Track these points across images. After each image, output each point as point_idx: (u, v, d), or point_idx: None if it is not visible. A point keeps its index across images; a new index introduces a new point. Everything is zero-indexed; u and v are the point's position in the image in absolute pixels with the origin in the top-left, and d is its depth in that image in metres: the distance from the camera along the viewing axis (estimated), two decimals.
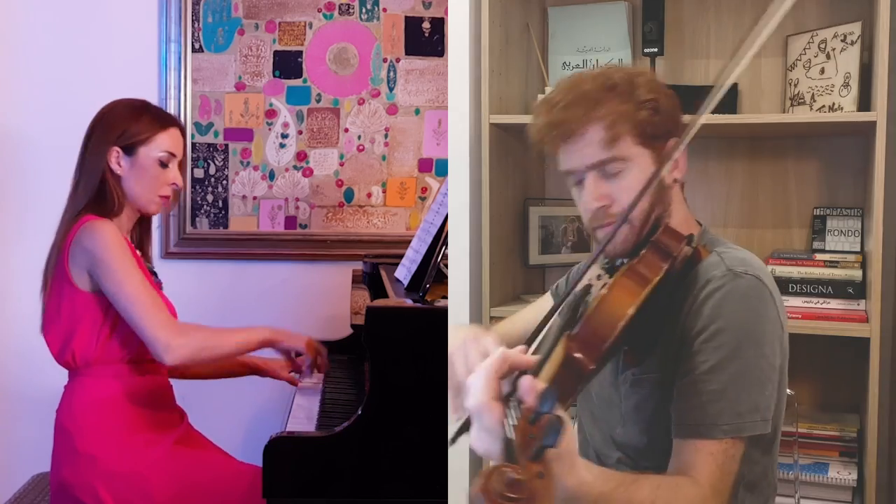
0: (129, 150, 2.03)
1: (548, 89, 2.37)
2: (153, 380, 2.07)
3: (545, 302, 1.77)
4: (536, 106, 1.46)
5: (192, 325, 2.01)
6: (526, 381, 1.02)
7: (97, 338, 1.98)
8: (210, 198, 2.90)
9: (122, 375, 2.01)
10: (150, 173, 2.03)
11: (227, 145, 2.90)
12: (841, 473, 2.07)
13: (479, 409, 1.02)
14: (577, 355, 1.15)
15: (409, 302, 1.97)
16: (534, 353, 1.18)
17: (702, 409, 1.28)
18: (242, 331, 2.09)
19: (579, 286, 1.35)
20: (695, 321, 1.32)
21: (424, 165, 2.94)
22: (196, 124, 2.87)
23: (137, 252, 2.07)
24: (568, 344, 1.16)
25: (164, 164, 2.05)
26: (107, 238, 1.93)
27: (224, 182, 2.90)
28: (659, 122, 1.40)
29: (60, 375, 2.07)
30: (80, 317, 1.98)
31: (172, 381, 2.16)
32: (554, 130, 1.39)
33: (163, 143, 2.05)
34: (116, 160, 2.02)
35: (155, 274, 2.13)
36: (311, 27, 2.89)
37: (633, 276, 1.25)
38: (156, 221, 2.26)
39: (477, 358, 1.19)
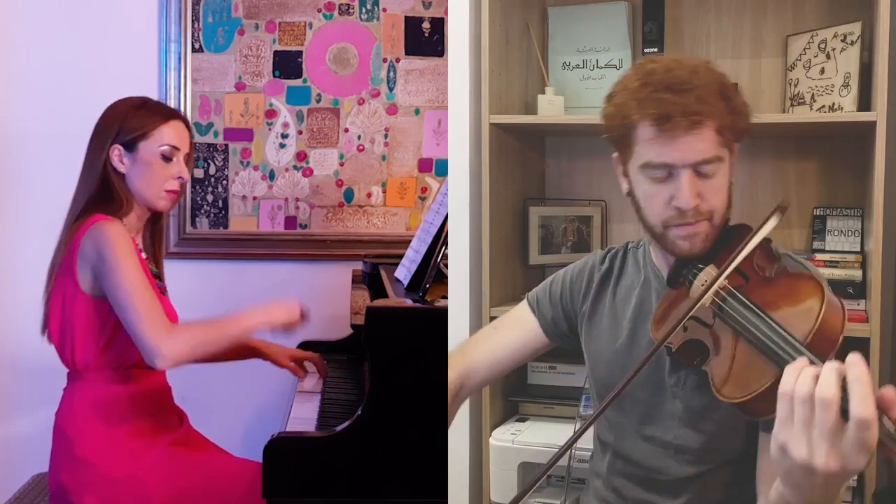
0: (130, 146, 2.01)
1: (548, 89, 2.37)
2: (152, 383, 2.06)
3: (522, 320, 1.73)
4: (638, 87, 1.38)
5: (185, 325, 1.98)
6: (891, 393, 0.98)
7: (96, 343, 1.97)
8: (210, 198, 2.90)
9: (121, 380, 2.00)
10: (153, 168, 2.01)
11: (227, 145, 2.90)
12: None
13: (866, 423, 0.95)
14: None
15: (409, 302, 1.97)
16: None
17: None
18: (234, 322, 2.00)
19: (705, 298, 1.31)
20: None
21: (424, 165, 2.94)
22: (196, 124, 2.87)
23: (143, 255, 2.06)
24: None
25: (167, 158, 2.02)
26: (113, 238, 1.91)
27: (224, 182, 2.90)
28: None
29: (60, 375, 2.07)
30: (81, 320, 1.97)
31: (172, 381, 2.16)
32: (677, 117, 1.34)
33: (164, 136, 2.02)
34: (118, 158, 2.01)
35: (159, 278, 2.12)
36: (311, 27, 2.89)
37: (798, 279, 1.29)
38: None
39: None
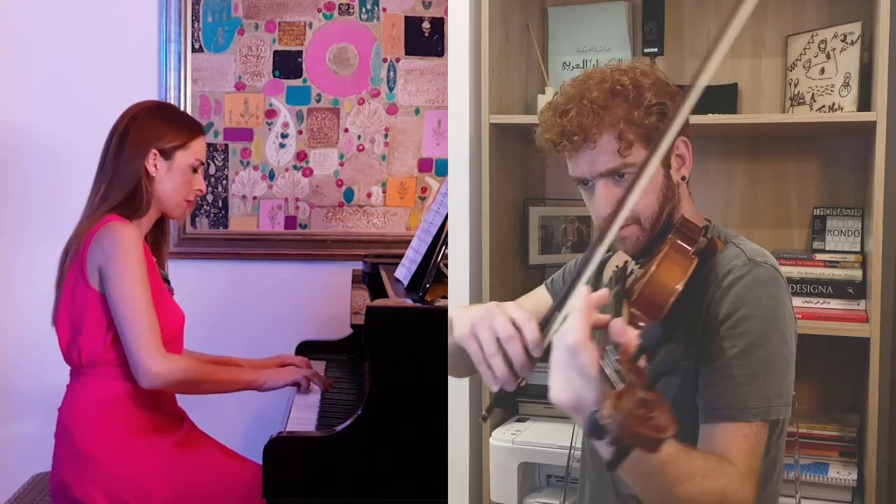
0: (168, 153, 2.08)
1: (548, 89, 2.37)
2: None
3: (539, 298, 1.77)
4: (543, 111, 1.47)
5: (184, 359, 2.04)
6: (618, 324, 1.05)
7: (103, 339, 1.99)
8: (210, 198, 2.90)
9: (125, 378, 2.01)
10: (184, 178, 2.09)
11: (227, 145, 2.90)
12: (841, 473, 2.07)
13: (576, 349, 1.02)
14: (641, 323, 1.19)
15: (409, 302, 1.97)
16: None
17: (733, 393, 1.30)
18: (232, 372, 2.17)
19: (608, 269, 1.34)
20: (719, 308, 1.34)
21: (424, 165, 2.94)
22: None
23: (153, 257, 2.09)
24: (630, 312, 1.21)
25: (195, 170, 2.11)
26: (126, 243, 1.95)
27: (224, 182, 2.90)
28: (665, 126, 1.40)
29: (62, 374, 2.07)
30: (89, 315, 1.99)
31: None
32: (564, 140, 1.40)
33: (197, 149, 2.12)
34: (153, 162, 2.06)
35: (167, 281, 2.15)
36: (310, 27, 2.89)
37: (676, 255, 1.30)
38: None
39: (505, 324, 1.19)
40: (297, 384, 2.21)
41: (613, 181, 1.41)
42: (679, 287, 1.25)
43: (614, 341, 1.05)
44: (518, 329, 1.18)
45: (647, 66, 1.47)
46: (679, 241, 1.34)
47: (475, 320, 1.22)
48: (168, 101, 2.81)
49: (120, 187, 2.05)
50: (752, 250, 1.41)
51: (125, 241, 1.94)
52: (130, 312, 1.92)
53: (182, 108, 2.84)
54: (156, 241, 2.16)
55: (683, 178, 1.46)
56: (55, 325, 2.06)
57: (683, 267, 1.29)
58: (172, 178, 2.08)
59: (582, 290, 1.09)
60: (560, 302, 1.23)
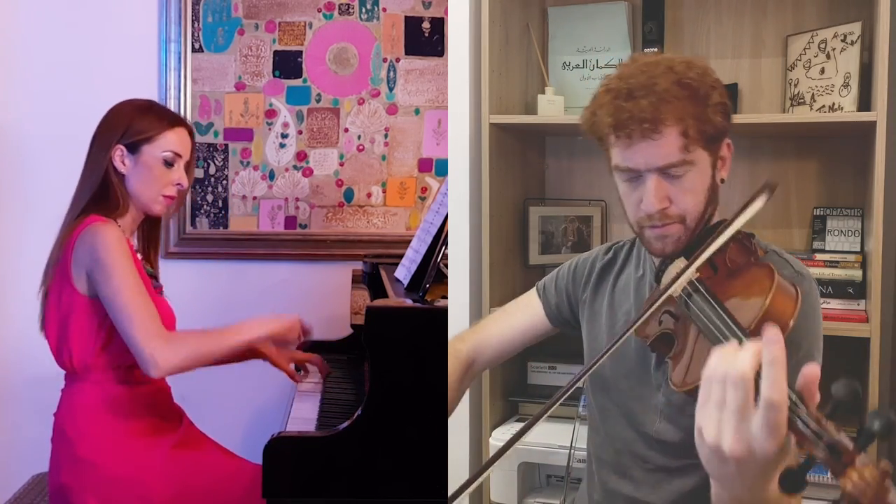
0: (133, 147, 2.02)
1: (548, 89, 2.37)
2: (151, 384, 2.06)
3: (530, 304, 1.76)
4: (600, 95, 1.41)
5: (182, 333, 1.97)
6: (815, 370, 0.97)
7: (94, 343, 1.96)
8: (210, 198, 2.90)
9: (120, 380, 1.99)
10: (153, 172, 2.02)
11: (226, 145, 2.90)
12: None
13: (779, 406, 0.92)
14: None
15: (409, 302, 1.97)
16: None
17: None
18: (232, 333, 2.01)
19: (672, 289, 1.28)
20: None
21: (424, 165, 2.94)
22: (196, 124, 2.87)
23: (138, 255, 2.06)
24: None
25: (168, 164, 2.03)
26: (109, 241, 1.91)
27: (224, 182, 2.90)
28: (723, 126, 1.40)
29: (60, 375, 2.07)
30: (78, 320, 1.96)
31: (172, 381, 2.16)
32: (631, 126, 1.34)
33: (168, 142, 2.03)
34: (120, 158, 2.01)
35: (155, 278, 2.12)
36: (310, 27, 2.89)
37: (782, 290, 1.24)
38: None
39: None
40: (323, 393, 2.16)
41: (666, 177, 1.38)
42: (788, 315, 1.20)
43: (806, 390, 0.96)
44: None
45: (704, 63, 1.43)
46: (734, 253, 1.32)
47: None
48: (168, 101, 2.81)
49: (88, 186, 2.01)
50: (795, 262, 1.43)
51: (107, 239, 1.91)
52: (126, 305, 1.87)
53: (182, 109, 2.84)
54: (146, 239, 2.13)
55: (722, 180, 1.46)
56: (44, 332, 2.03)
57: (765, 273, 1.25)
58: (140, 173, 2.02)
59: (773, 334, 0.94)
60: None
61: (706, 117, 1.36)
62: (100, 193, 2.01)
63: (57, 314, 1.99)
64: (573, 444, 2.03)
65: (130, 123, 2.02)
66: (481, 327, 1.79)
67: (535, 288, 1.79)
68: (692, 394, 1.15)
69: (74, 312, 1.96)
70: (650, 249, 1.47)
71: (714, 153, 1.42)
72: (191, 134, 2.11)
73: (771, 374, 0.92)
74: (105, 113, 2.07)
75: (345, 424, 1.83)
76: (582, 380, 1.30)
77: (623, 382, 1.54)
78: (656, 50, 2.25)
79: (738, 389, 0.94)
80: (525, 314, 1.77)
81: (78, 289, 1.95)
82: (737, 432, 0.94)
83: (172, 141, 2.04)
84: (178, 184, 2.06)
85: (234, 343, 2.00)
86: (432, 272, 1.95)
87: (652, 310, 1.28)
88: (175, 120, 2.08)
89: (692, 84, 1.36)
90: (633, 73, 1.39)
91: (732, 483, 1.00)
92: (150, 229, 2.14)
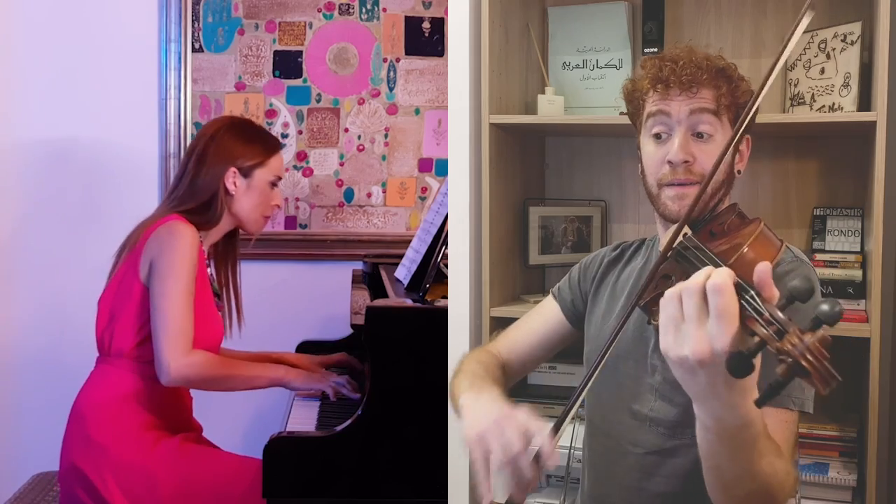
0: (247, 172, 2.14)
1: (548, 89, 2.37)
2: (176, 390, 2.10)
3: (548, 308, 1.77)
4: (645, 62, 1.54)
5: (208, 357, 2.03)
6: (765, 267, 1.03)
7: (136, 333, 2.03)
8: None
9: (147, 375, 2.03)
10: (262, 195, 2.16)
11: None
12: (841, 474, 2.07)
13: (720, 289, 0.99)
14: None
15: (409, 302, 1.97)
16: None
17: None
18: (257, 368, 2.15)
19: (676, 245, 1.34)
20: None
21: (424, 165, 2.94)
22: (196, 124, 2.87)
23: (209, 269, 2.12)
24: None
25: (273, 186, 2.18)
26: (183, 242, 1.98)
27: None
28: (742, 109, 1.48)
29: (61, 375, 2.08)
30: (130, 306, 2.03)
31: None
32: (672, 77, 1.46)
33: (275, 166, 2.18)
34: (233, 180, 2.12)
35: (218, 296, 2.18)
36: (311, 27, 2.90)
37: (765, 237, 1.32)
38: None
39: (517, 438, 1.19)
40: (324, 393, 2.19)
41: (694, 137, 1.47)
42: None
43: (759, 282, 1.02)
44: (527, 443, 1.17)
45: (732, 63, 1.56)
46: (757, 219, 1.37)
47: (484, 428, 1.21)
48: (168, 101, 2.81)
49: (194, 201, 2.10)
50: (794, 248, 1.48)
51: (182, 239, 1.99)
52: (167, 309, 1.96)
53: (182, 108, 2.84)
54: (224, 253, 2.23)
55: (739, 171, 1.55)
56: (98, 307, 2.10)
57: (775, 247, 1.32)
58: (251, 195, 2.14)
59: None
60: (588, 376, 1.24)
61: (736, 93, 1.49)
62: (203, 207, 2.10)
63: (114, 295, 2.06)
64: (573, 444, 2.03)
65: (246, 149, 2.14)
66: (506, 334, 1.78)
67: (550, 293, 1.80)
68: None
69: (130, 298, 2.03)
70: (665, 213, 1.50)
71: (739, 141, 1.49)
72: (282, 154, 2.25)
73: (716, 270, 1.02)
74: (208, 130, 2.15)
75: (345, 424, 1.83)
76: (594, 375, 1.31)
77: (621, 365, 1.55)
78: (656, 50, 2.25)
79: (691, 297, 1.01)
80: (544, 317, 1.77)
81: (140, 277, 2.01)
82: (696, 335, 1.00)
83: (279, 166, 2.19)
84: (277, 205, 2.20)
85: (255, 384, 2.13)
86: (432, 272, 1.95)
87: (653, 274, 1.31)
88: (278, 144, 2.23)
89: (725, 67, 1.51)
90: (674, 51, 1.52)
91: (706, 397, 1.06)
92: (229, 244, 2.23)
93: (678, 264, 1.31)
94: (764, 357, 1.00)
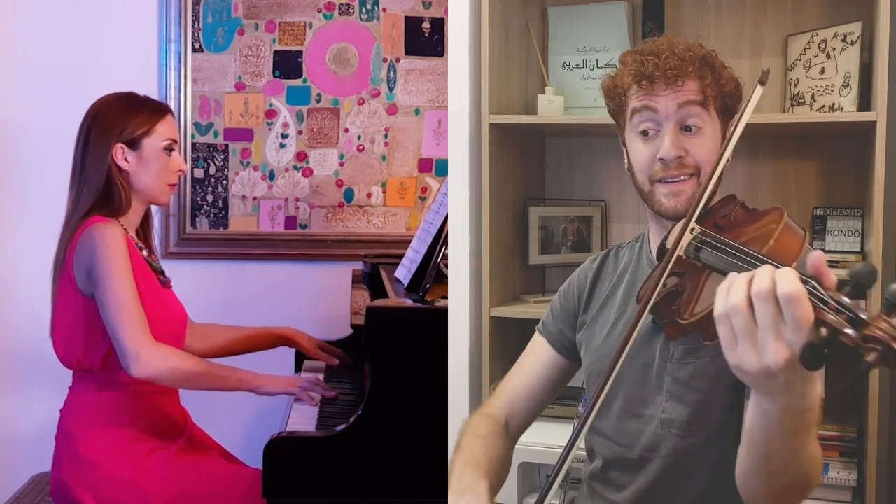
0: (133, 143, 2.03)
1: (548, 89, 2.37)
2: (157, 389, 2.05)
3: (536, 345, 1.73)
4: (625, 56, 1.52)
5: (173, 349, 1.97)
6: (820, 255, 0.99)
7: (101, 345, 1.97)
8: (210, 198, 2.90)
9: (127, 382, 1.99)
10: (158, 163, 2.04)
11: (226, 145, 2.90)
12: (841, 473, 2.07)
13: (795, 299, 0.93)
14: None
15: (409, 302, 1.97)
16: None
17: None
18: (226, 369, 2.07)
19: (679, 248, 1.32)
20: None
21: (424, 165, 2.94)
22: (196, 124, 2.87)
23: (143, 253, 2.06)
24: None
25: (169, 151, 2.06)
26: (108, 243, 1.91)
27: (224, 182, 2.90)
28: (733, 106, 1.49)
29: (60, 376, 2.07)
30: (84, 322, 1.97)
31: None
32: (656, 73, 1.43)
33: (163, 131, 2.06)
34: (122, 156, 2.02)
35: (162, 272, 2.12)
36: (310, 27, 2.89)
37: (791, 227, 1.31)
38: (155, 221, 2.25)
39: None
40: (293, 395, 2.15)
41: (683, 131, 1.45)
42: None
43: (817, 271, 0.98)
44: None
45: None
46: (776, 208, 1.37)
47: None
48: (168, 101, 2.80)
49: (89, 189, 2.00)
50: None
51: (106, 241, 1.91)
52: (115, 306, 1.88)
53: (182, 108, 2.84)
54: (144, 230, 2.13)
55: (728, 160, 1.50)
56: (51, 337, 2.04)
57: (775, 214, 1.33)
58: (146, 167, 2.03)
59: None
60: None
61: (721, 82, 1.46)
62: (103, 194, 2.01)
63: (64, 316, 2.00)
64: (573, 445, 2.03)
65: (127, 120, 2.03)
66: (502, 388, 1.73)
67: (536, 330, 1.76)
68: (701, 325, 1.19)
69: (79, 314, 1.96)
70: (661, 210, 1.47)
71: (724, 131, 1.49)
72: (174, 117, 2.13)
73: (781, 274, 0.96)
74: (90, 112, 2.07)
75: (345, 424, 1.83)
76: (608, 384, 1.32)
77: (626, 371, 1.53)
78: None
79: (765, 303, 0.96)
80: (536, 356, 1.72)
81: (81, 290, 1.95)
82: (776, 343, 0.96)
83: (168, 129, 2.07)
84: (180, 170, 2.09)
85: (234, 386, 2.07)
86: (432, 272, 1.95)
87: (665, 274, 1.30)
88: (163, 108, 2.11)
89: (706, 55, 1.48)
90: (653, 44, 1.50)
91: (783, 394, 1.04)
92: (145, 221, 2.14)
93: (688, 261, 1.31)
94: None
